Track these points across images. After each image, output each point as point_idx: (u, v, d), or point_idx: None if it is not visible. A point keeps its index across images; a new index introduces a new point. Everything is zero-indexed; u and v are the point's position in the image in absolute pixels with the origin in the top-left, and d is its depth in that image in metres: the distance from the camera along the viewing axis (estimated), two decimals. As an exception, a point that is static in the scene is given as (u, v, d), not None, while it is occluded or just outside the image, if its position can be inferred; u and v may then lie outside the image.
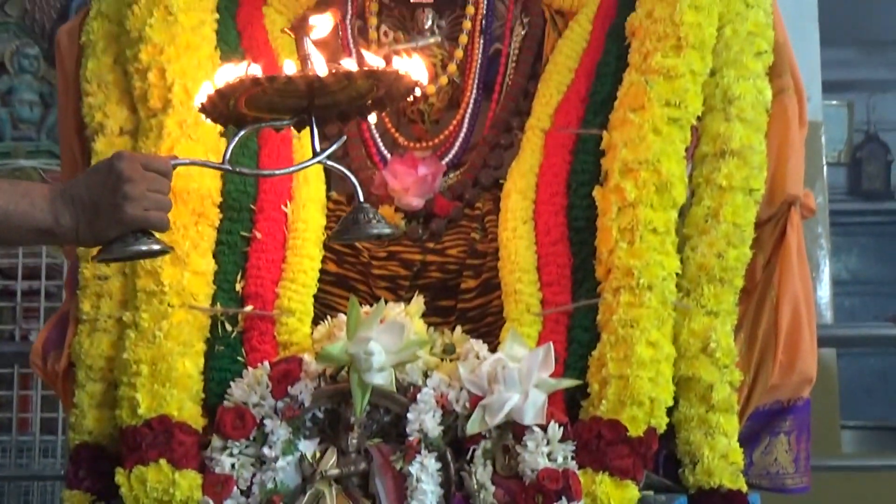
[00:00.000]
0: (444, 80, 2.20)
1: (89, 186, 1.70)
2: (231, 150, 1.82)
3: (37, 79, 6.08)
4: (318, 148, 1.83)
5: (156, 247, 1.74)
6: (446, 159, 2.18)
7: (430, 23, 2.21)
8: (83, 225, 1.69)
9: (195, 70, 2.08)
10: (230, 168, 1.87)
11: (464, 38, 2.22)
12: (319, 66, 1.74)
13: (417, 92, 1.87)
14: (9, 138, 5.91)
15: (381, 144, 2.21)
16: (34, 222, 1.68)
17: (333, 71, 1.74)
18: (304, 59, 1.78)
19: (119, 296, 2.02)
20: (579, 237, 2.01)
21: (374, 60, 1.79)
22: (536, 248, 2.02)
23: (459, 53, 2.21)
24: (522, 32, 2.24)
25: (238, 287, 2.02)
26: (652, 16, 2.05)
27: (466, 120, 2.20)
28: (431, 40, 2.20)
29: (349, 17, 2.24)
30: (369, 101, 1.85)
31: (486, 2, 2.24)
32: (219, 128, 2.06)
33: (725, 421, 1.92)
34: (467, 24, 2.22)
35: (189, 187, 2.00)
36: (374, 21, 2.23)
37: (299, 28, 1.79)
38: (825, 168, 4.40)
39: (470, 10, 2.23)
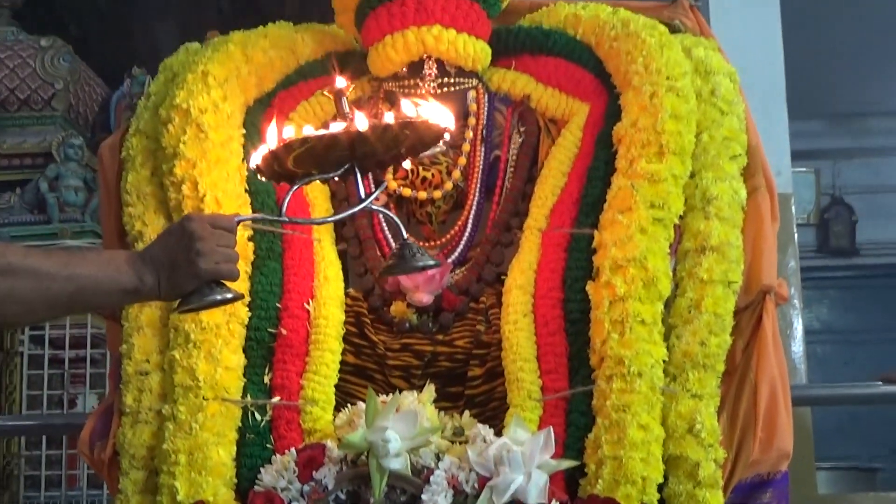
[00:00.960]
0: (449, 185, 2.21)
1: (166, 247, 1.74)
2: (286, 204, 1.82)
3: (81, 166, 6.11)
4: (362, 195, 1.85)
5: (229, 295, 1.77)
6: (452, 257, 2.19)
7: None
8: (163, 281, 1.72)
9: (225, 182, 2.09)
10: (287, 220, 1.92)
11: (466, 147, 2.23)
12: (360, 121, 1.75)
13: (447, 137, 1.88)
14: (56, 221, 5.94)
15: (393, 244, 2.20)
16: (121, 285, 1.70)
17: (372, 124, 1.75)
18: (343, 116, 1.79)
19: (159, 390, 2.03)
20: (575, 328, 2.00)
21: (408, 110, 1.81)
22: (536, 338, 2.02)
23: (463, 160, 2.22)
24: (519, 140, 2.25)
25: (266, 379, 2.02)
26: (636, 125, 2.06)
27: (470, 221, 2.21)
28: (438, 149, 2.20)
29: None
30: (403, 150, 1.86)
31: (486, 113, 2.26)
32: (246, 233, 2.07)
33: (711, 496, 1.91)
34: (469, 134, 2.24)
35: (221, 290, 2.01)
36: None
37: (338, 91, 1.80)
38: (795, 232, 4.39)
39: (472, 121, 2.24)
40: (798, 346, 4.32)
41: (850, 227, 8.47)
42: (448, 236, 2.22)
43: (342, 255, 2.19)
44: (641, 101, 2.07)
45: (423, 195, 2.20)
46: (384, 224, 2.22)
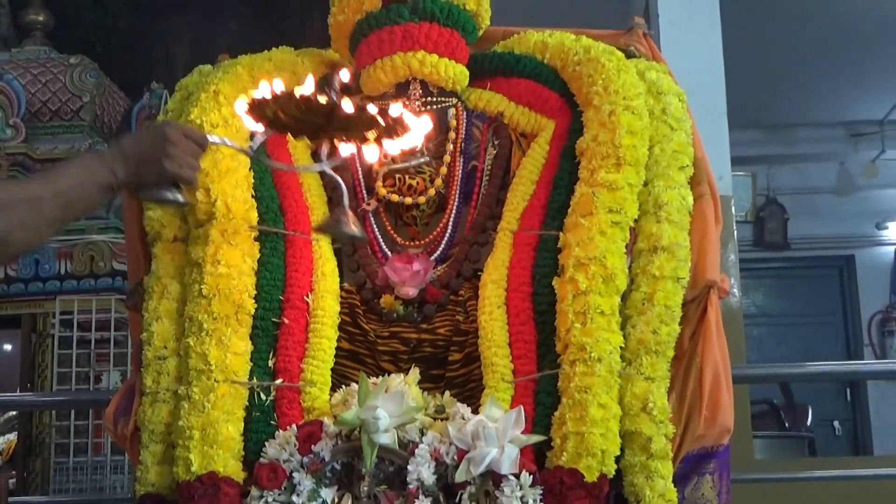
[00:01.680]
0: (432, 191, 2.20)
1: (140, 143, 1.76)
2: (258, 143, 1.92)
3: (106, 169, 6.06)
4: (324, 158, 1.90)
5: (180, 198, 1.80)
6: (435, 255, 2.18)
7: (420, 146, 2.21)
8: (132, 175, 1.73)
9: (234, 189, 2.08)
10: (251, 154, 1.98)
11: (447, 158, 2.22)
12: (346, 103, 1.79)
13: (416, 145, 1.94)
14: (83, 218, 5.90)
15: (382, 243, 2.21)
16: (98, 184, 1.72)
17: (356, 104, 1.79)
18: (332, 92, 1.83)
19: (175, 373, 2.01)
20: (543, 318, 2.00)
21: (394, 109, 1.84)
22: (508, 327, 2.01)
23: (444, 170, 2.22)
24: (494, 152, 2.24)
25: (270, 363, 2.01)
26: (597, 139, 2.06)
27: (451, 223, 2.20)
28: (423, 160, 2.21)
29: None
30: (373, 134, 1.87)
31: (464, 128, 2.25)
32: (253, 234, 2.06)
33: (662, 466, 1.91)
34: (450, 147, 2.23)
35: (230, 284, 2.00)
36: None
37: (338, 75, 1.87)
38: (735, 229, 4.42)
39: (452, 135, 2.23)
40: (737, 331, 4.34)
41: (783, 224, 8.51)
42: (431, 236, 2.21)
43: (338, 252, 2.17)
44: (601, 119, 2.07)
45: (408, 200, 2.19)
46: (374, 225, 2.21)
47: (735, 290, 4.24)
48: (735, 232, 4.40)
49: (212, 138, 1.85)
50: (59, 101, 6.32)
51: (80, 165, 1.72)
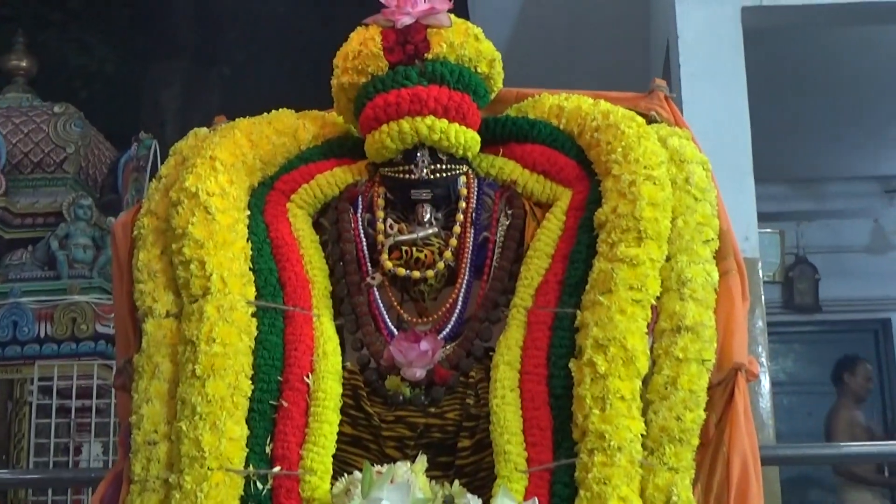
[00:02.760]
0: (440, 265, 2.21)
1: None
2: None
3: (90, 225, 6.11)
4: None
5: None
6: (443, 333, 2.18)
7: (428, 216, 2.23)
8: None
9: (230, 262, 2.10)
10: None
11: (457, 229, 2.24)
12: None
13: None
14: (66, 277, 5.94)
15: (388, 320, 2.21)
16: None
17: None
18: None
19: (166, 459, 2.01)
20: (559, 403, 2.01)
21: None
22: (522, 412, 2.01)
23: (454, 241, 2.23)
24: (507, 223, 2.25)
25: (267, 449, 2.02)
26: (616, 211, 2.08)
27: (460, 298, 2.21)
28: (430, 231, 2.22)
29: (360, 210, 2.27)
30: None
31: (475, 197, 2.26)
32: (250, 310, 2.08)
33: (687, 564, 1.91)
34: (460, 217, 2.24)
35: (226, 364, 2.02)
36: (381, 214, 2.25)
37: None
38: (762, 292, 4.41)
39: (462, 204, 2.25)
40: (766, 402, 4.33)
41: (814, 285, 8.50)
42: (440, 313, 2.21)
43: (340, 330, 2.19)
44: (621, 189, 2.10)
45: (416, 274, 2.20)
46: (379, 301, 2.22)
47: (763, 359, 4.24)
48: (762, 294, 4.39)
49: None
50: (42, 153, 6.37)
51: None
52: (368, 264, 2.25)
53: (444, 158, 2.24)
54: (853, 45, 5.93)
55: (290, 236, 2.23)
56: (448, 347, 2.19)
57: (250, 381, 2.05)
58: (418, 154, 2.22)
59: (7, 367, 5.79)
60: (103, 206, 6.32)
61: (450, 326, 2.20)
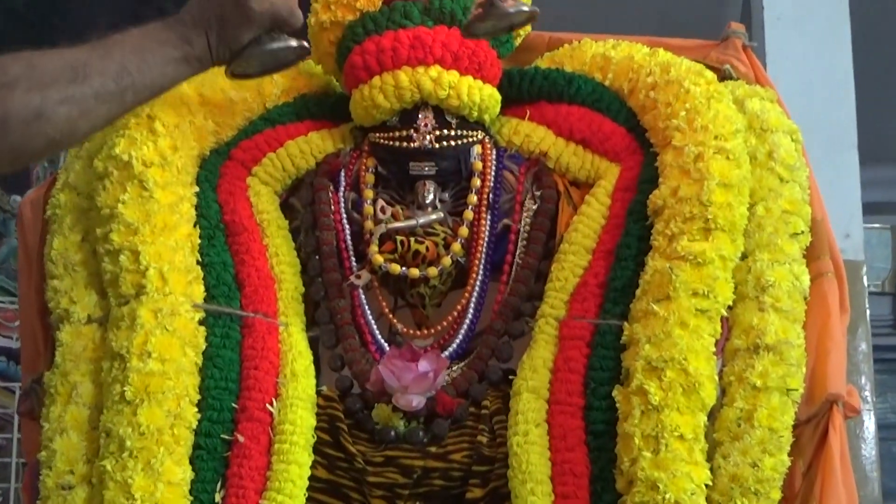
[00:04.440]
0: (447, 261, 2.21)
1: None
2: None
3: (-16, 212, 6.10)
4: None
5: (293, 42, 1.74)
6: (449, 350, 2.19)
7: (431, 197, 2.24)
8: (213, 38, 1.72)
9: (172, 253, 2.10)
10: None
11: (469, 214, 2.24)
12: None
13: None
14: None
15: (376, 332, 2.21)
16: (168, 55, 1.70)
17: None
18: None
19: (85, 509, 2.02)
20: (598, 443, 2.01)
21: None
22: (551, 454, 2.02)
23: (464, 231, 2.23)
24: (534, 207, 2.25)
25: (218, 497, 2.02)
26: (677, 194, 2.09)
27: (472, 305, 2.21)
28: (433, 216, 2.23)
29: (343, 189, 2.27)
30: None
31: (493, 173, 2.27)
32: (197, 316, 2.09)
33: None
34: (473, 199, 2.24)
35: (164, 386, 2.02)
36: (369, 194, 2.25)
37: None
38: (868, 306, 4.38)
39: (476, 182, 2.25)
40: (870, 449, 4.32)
41: (934, 298, 8.46)
42: (444, 323, 2.21)
43: (314, 343, 2.19)
44: (684, 165, 2.11)
45: (414, 273, 2.19)
46: (366, 307, 2.23)
47: (867, 394, 4.23)
48: (867, 308, 4.37)
49: None
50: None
51: (142, 35, 1.74)
52: (353, 259, 2.25)
53: (454, 122, 2.24)
54: None
55: (250, 220, 2.23)
56: (455, 369, 2.19)
57: (196, 409, 2.05)
58: (420, 116, 2.22)
59: None
60: (6, 181, 6.31)
61: (458, 341, 2.21)
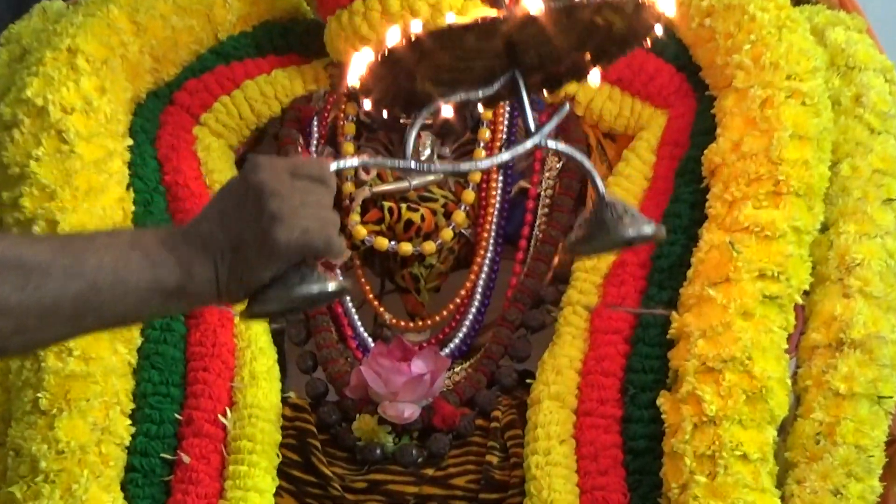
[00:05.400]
0: (447, 233, 2.19)
1: (223, 216, 1.63)
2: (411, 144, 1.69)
3: None
4: (531, 125, 1.69)
5: (331, 285, 1.67)
6: (450, 346, 2.19)
7: (428, 152, 2.23)
8: (223, 271, 1.63)
9: (99, 222, 2.07)
10: (417, 165, 1.89)
11: (476, 175, 2.23)
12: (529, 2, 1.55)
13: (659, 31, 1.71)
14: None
15: (358, 323, 2.21)
16: (156, 281, 1.62)
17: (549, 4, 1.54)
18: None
19: (-10, 552, 2.00)
20: (638, 464, 2.01)
21: None
22: (578, 479, 2.01)
23: (470, 195, 2.22)
24: (558, 165, 2.26)
25: (157, 532, 1.99)
26: (740, 149, 2.07)
27: (479, 290, 2.21)
28: (430, 178, 2.22)
29: (316, 143, 2.27)
30: (590, 52, 1.71)
31: (506, 123, 2.25)
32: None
33: None
34: (481, 154, 2.23)
35: (88, 391, 1.99)
36: (349, 148, 2.23)
37: None
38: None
39: (484, 134, 2.24)
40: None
41: None
42: (445, 313, 2.21)
43: (278, 338, 2.18)
44: (748, 112, 2.09)
45: (406, 248, 2.18)
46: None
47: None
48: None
49: (334, 164, 1.77)
50: None
51: (127, 242, 1.66)
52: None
53: None
54: None
55: (197, 182, 2.22)
56: (458, 370, 2.19)
57: (129, 421, 2.03)
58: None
59: None
60: None
61: (461, 335, 2.20)
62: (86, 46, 2.16)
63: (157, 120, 2.25)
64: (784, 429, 2.01)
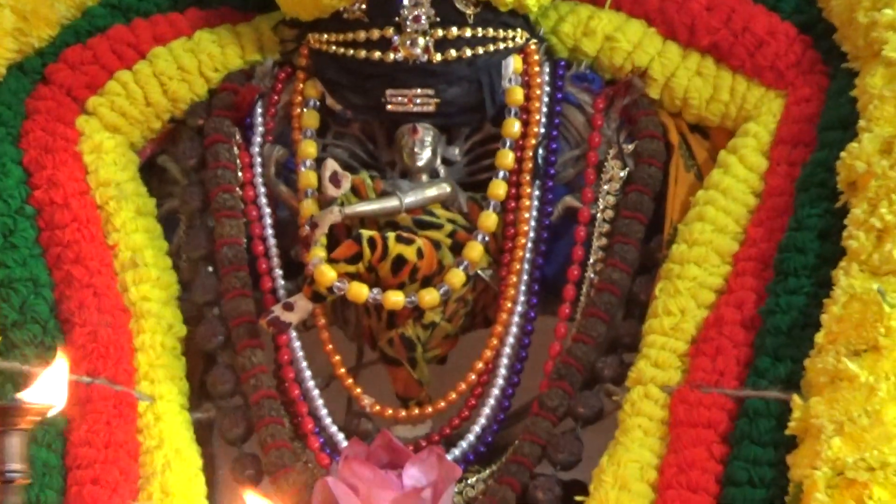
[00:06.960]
0: (457, 276, 2.16)
1: None
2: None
3: None
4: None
5: None
6: (461, 447, 2.18)
7: (427, 154, 2.22)
8: None
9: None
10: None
11: (499, 188, 2.20)
12: None
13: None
14: None
15: (323, 412, 2.20)
16: None
17: None
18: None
19: None
20: None
21: None
22: None
23: (490, 219, 2.19)
24: (622, 174, 2.22)
25: None
26: (893, 149, 2.03)
27: (504, 360, 2.19)
28: (431, 192, 2.18)
29: (260, 139, 2.28)
30: None
31: (545, 111, 2.24)
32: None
33: None
34: (507, 158, 2.20)
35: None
36: (310, 149, 2.24)
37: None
38: None
39: (512, 127, 2.21)
40: None
41: None
42: (452, 396, 2.21)
43: (204, 432, 2.20)
44: (901, 95, 2.02)
45: (395, 300, 2.17)
46: (303, 362, 2.24)
47: None
48: None
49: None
50: None
51: None
52: (277, 271, 2.22)
53: (469, 12, 2.20)
54: None
55: (83, 199, 2.21)
56: (473, 481, 2.15)
57: None
58: (405, 1, 2.17)
59: None
60: None
61: (478, 429, 2.17)
62: None
63: (21, 107, 2.24)
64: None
